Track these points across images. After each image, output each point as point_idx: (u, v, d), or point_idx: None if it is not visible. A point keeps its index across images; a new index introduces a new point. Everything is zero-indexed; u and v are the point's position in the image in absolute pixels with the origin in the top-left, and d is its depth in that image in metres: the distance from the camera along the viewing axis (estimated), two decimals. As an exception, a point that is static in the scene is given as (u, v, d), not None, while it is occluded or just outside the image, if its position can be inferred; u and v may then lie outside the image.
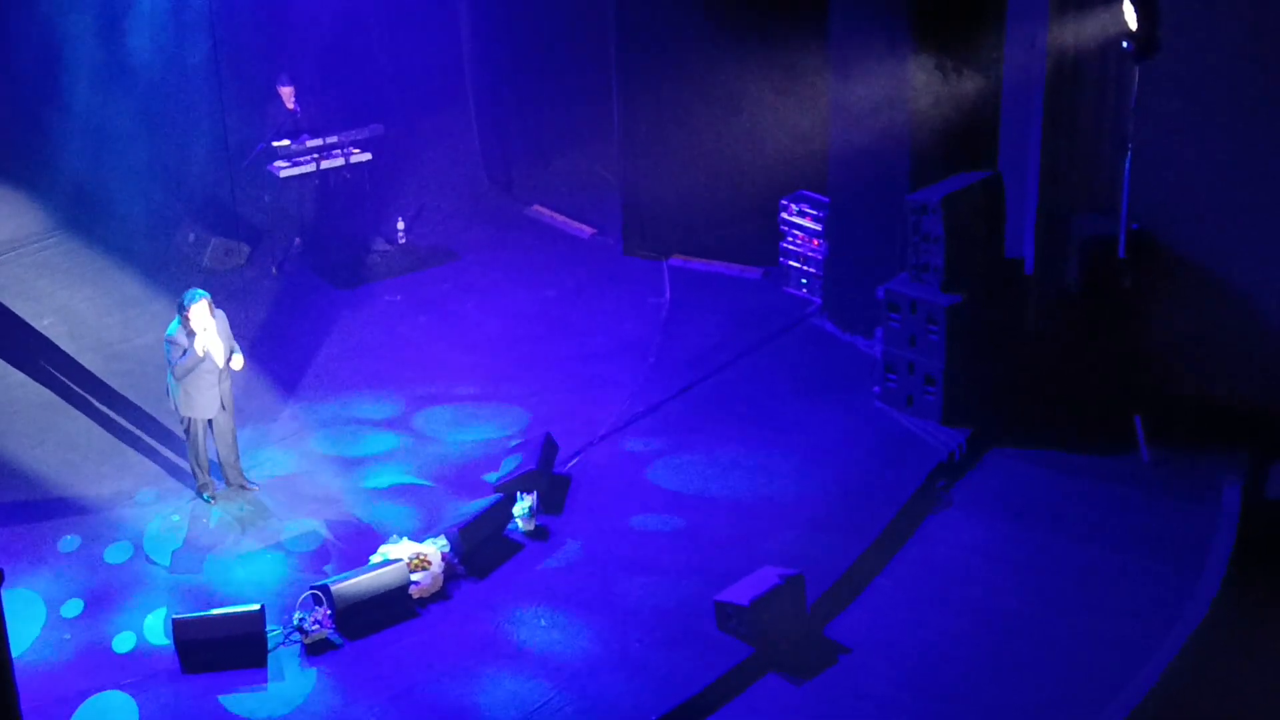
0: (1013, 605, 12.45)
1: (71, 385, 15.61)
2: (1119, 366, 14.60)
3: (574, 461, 14.39)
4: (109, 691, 11.64)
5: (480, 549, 12.94)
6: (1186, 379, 14.54)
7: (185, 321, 13.15)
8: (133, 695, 11.54)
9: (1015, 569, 12.88)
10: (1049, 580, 12.73)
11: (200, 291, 13.30)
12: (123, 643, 12.09)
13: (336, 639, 12.06)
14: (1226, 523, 13.20)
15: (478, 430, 14.99)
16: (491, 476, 13.96)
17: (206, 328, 13.16)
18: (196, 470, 13.76)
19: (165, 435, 14.74)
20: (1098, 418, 14.51)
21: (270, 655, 11.88)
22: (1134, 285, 14.54)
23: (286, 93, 17.86)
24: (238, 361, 13.59)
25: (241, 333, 15.52)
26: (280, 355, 16.22)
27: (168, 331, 13.31)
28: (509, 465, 13.81)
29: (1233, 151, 14.21)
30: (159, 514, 13.67)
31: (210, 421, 13.59)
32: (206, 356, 13.21)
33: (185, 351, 13.15)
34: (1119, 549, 13.04)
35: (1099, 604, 12.41)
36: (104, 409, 15.27)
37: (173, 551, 13.20)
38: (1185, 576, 12.62)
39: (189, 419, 13.50)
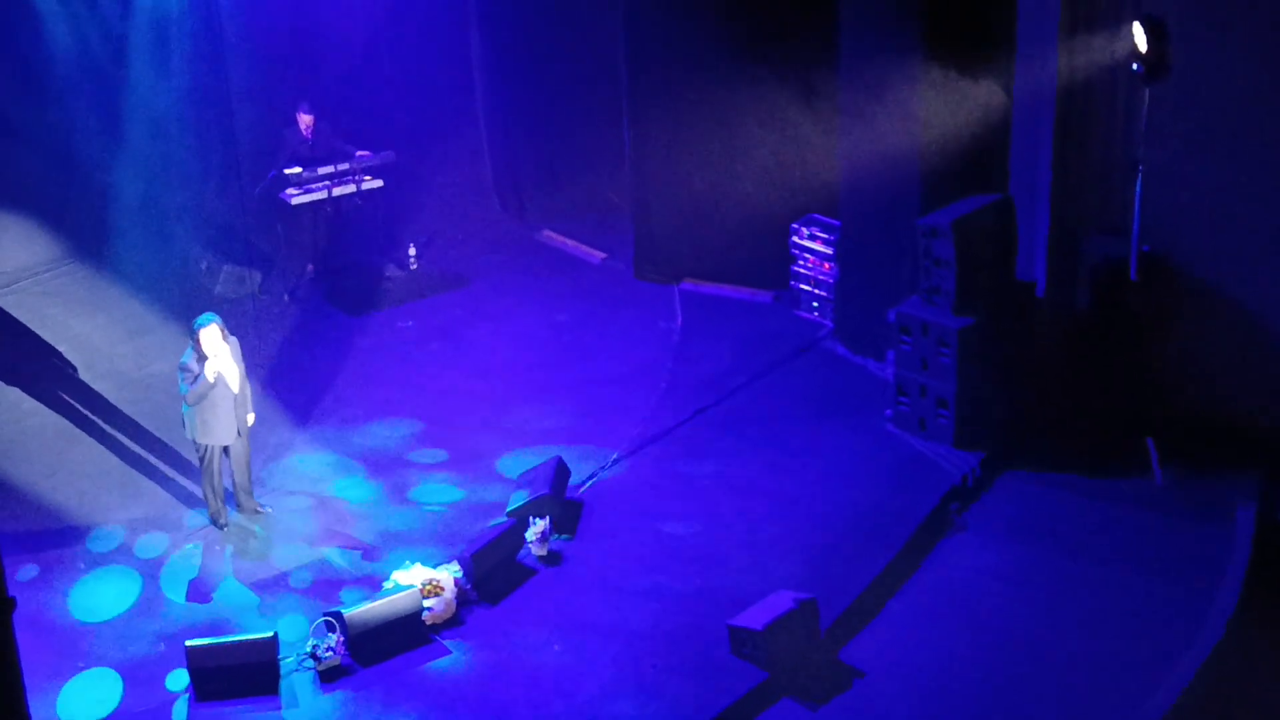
0: (1027, 628, 12.42)
1: (84, 414, 15.63)
2: (1131, 388, 14.58)
3: (586, 486, 14.39)
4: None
5: (493, 574, 12.93)
6: (1199, 400, 14.51)
7: (197, 346, 13.18)
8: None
9: (1029, 592, 12.85)
10: (1063, 603, 12.70)
11: (211, 316, 13.34)
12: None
13: (350, 665, 12.05)
14: (1241, 543, 13.17)
15: (490, 455, 14.98)
16: (503, 500, 13.96)
17: (217, 352, 13.18)
18: (210, 498, 13.76)
19: (177, 463, 14.75)
20: (1110, 440, 14.48)
21: (283, 682, 11.88)
22: (1146, 307, 14.53)
23: (306, 120, 17.88)
24: (250, 419, 13.69)
25: (254, 360, 15.57)
26: (293, 382, 16.23)
27: (181, 359, 13.34)
28: (521, 490, 13.80)
29: (1244, 173, 14.20)
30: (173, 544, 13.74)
31: (226, 448, 13.61)
32: (219, 381, 13.22)
33: (197, 377, 13.17)
34: (1133, 571, 13.01)
35: (1114, 626, 12.38)
36: (116, 437, 15.28)
37: (188, 580, 13.22)
38: (1200, 597, 12.58)
39: (205, 447, 13.51)
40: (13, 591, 6.84)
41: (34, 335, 16.80)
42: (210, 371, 13.14)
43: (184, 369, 13.27)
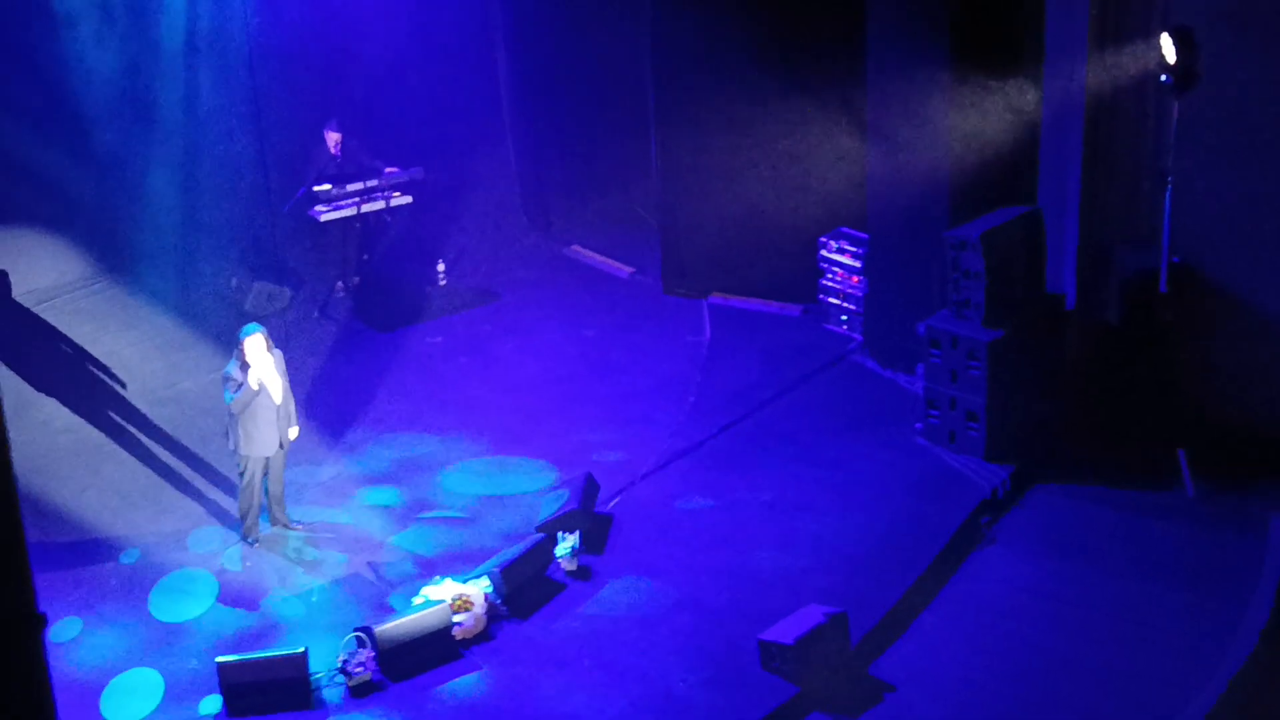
0: (1058, 641, 12.37)
1: (116, 430, 15.69)
2: (1162, 399, 14.52)
3: (615, 501, 14.39)
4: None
5: (523, 589, 12.94)
6: (1230, 411, 14.45)
7: (240, 355, 13.26)
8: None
9: (1060, 605, 12.80)
10: (1094, 615, 12.65)
11: (256, 326, 13.46)
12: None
13: (380, 681, 12.06)
14: (1273, 555, 13.10)
15: (519, 470, 15.01)
16: (532, 515, 13.97)
17: (260, 361, 13.26)
18: (247, 512, 13.79)
19: (210, 478, 14.81)
20: (1141, 452, 14.43)
21: (314, 697, 11.90)
22: (1176, 318, 14.48)
23: (333, 138, 17.94)
24: (293, 433, 13.76)
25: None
26: (323, 398, 16.28)
27: (225, 369, 13.43)
28: (550, 505, 13.81)
29: (1274, 183, 14.15)
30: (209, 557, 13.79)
31: (266, 461, 13.67)
32: (262, 391, 13.30)
33: (240, 386, 13.24)
34: (1164, 583, 12.95)
35: (1145, 639, 12.32)
36: (148, 453, 15.34)
37: (220, 595, 13.29)
38: (1232, 609, 12.51)
39: (246, 460, 13.54)
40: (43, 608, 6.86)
41: (67, 352, 16.88)
42: (254, 380, 13.22)
43: (227, 378, 13.36)
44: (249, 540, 13.82)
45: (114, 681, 12.17)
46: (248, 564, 13.64)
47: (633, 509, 14.28)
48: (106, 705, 11.91)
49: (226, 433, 13.66)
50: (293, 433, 13.79)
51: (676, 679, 12.01)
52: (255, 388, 13.27)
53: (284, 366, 13.63)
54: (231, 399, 13.32)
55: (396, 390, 16.60)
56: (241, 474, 13.71)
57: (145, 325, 17.50)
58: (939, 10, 15.04)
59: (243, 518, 13.83)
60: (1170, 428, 14.38)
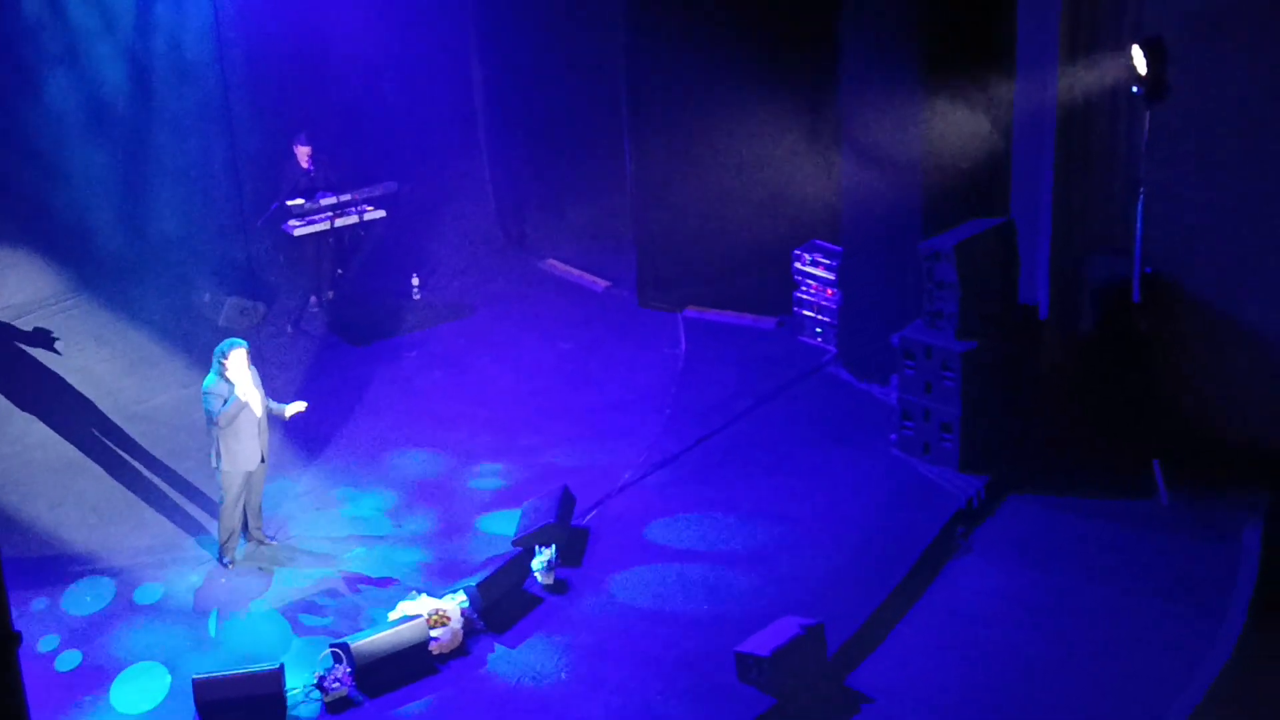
0: (1035, 650, 12.39)
1: (89, 446, 15.64)
2: (1136, 409, 14.57)
3: (592, 514, 14.38)
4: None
5: (499, 604, 12.92)
6: (1204, 421, 14.50)
7: (223, 370, 13.19)
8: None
9: (1036, 614, 12.82)
10: (1070, 625, 12.67)
11: (238, 340, 13.41)
12: None
13: (357, 697, 12.03)
14: (1247, 564, 13.15)
15: (494, 484, 14.99)
16: (508, 529, 13.95)
17: (242, 376, 13.21)
18: (226, 533, 13.69)
19: (182, 494, 14.76)
20: (1116, 461, 14.47)
21: (290, 714, 11.85)
22: (1149, 328, 14.53)
23: (303, 152, 17.91)
24: (300, 405, 13.90)
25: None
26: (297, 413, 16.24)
27: (205, 385, 13.33)
28: (527, 519, 13.80)
29: (1246, 193, 14.22)
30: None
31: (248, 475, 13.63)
32: (245, 405, 13.24)
33: (226, 400, 13.18)
34: (1140, 592, 12.98)
35: (1121, 648, 12.35)
36: (121, 469, 15.29)
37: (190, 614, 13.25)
38: (1207, 619, 12.55)
39: (229, 475, 13.45)
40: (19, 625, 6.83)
41: (39, 368, 16.81)
42: (241, 393, 13.16)
43: (210, 393, 13.25)
44: (224, 561, 13.74)
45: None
46: (223, 580, 13.60)
47: (609, 522, 14.27)
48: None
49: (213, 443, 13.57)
50: (298, 405, 13.90)
51: (654, 691, 12.00)
52: (243, 401, 13.21)
53: (259, 381, 13.58)
54: (217, 413, 13.24)
55: (372, 404, 16.58)
56: (225, 490, 13.57)
57: (118, 341, 17.47)
58: (911, 22, 15.08)
59: (223, 540, 13.73)
60: (1144, 436, 14.42)
